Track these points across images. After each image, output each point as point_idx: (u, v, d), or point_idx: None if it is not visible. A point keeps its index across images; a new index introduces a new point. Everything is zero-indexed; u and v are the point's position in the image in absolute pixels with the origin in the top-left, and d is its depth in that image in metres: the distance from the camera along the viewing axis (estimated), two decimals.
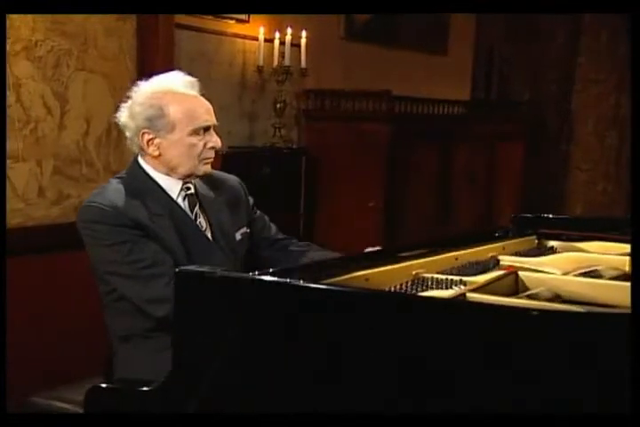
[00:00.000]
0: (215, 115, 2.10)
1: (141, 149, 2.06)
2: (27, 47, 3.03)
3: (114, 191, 2.02)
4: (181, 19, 3.66)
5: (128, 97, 2.08)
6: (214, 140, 2.07)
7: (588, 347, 1.27)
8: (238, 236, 2.18)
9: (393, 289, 1.78)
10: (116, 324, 2.09)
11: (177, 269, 1.58)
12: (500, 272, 1.90)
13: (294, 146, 4.18)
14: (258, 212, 2.32)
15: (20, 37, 3.01)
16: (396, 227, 4.13)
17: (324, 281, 1.67)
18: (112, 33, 3.34)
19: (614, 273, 1.98)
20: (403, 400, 1.36)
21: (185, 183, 2.11)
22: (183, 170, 2.07)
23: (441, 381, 1.35)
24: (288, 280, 1.51)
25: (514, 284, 1.85)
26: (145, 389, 1.62)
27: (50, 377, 2.49)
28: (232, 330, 1.56)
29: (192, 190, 2.12)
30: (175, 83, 2.06)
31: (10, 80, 2.99)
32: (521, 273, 1.86)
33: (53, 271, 3.12)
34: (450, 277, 1.89)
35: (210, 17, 3.86)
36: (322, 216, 4.20)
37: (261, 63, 3.95)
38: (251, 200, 2.30)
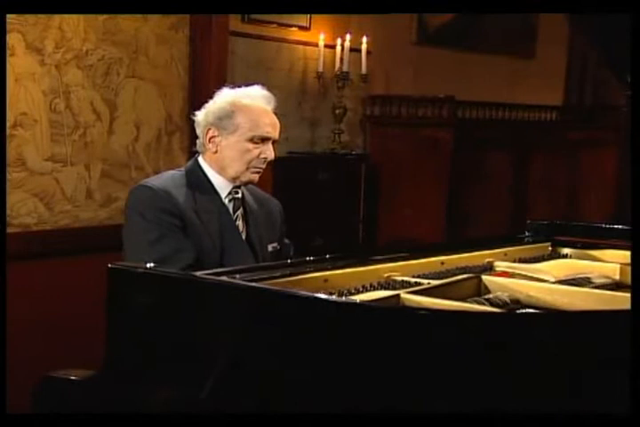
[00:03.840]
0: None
1: (203, 144, 2.19)
2: (77, 56, 3.17)
3: (169, 179, 2.16)
4: (239, 26, 3.72)
5: (211, 98, 2.22)
6: (268, 153, 2.16)
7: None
8: (270, 248, 2.27)
9: (347, 290, 1.74)
10: None
11: (109, 265, 1.60)
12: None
13: (355, 152, 4.15)
14: (287, 241, 2.39)
15: (72, 47, 3.15)
16: (460, 235, 4.01)
17: (267, 282, 1.66)
18: (164, 41, 3.45)
19: (601, 281, 1.87)
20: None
21: (235, 187, 2.20)
22: (231, 171, 2.16)
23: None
24: (209, 277, 1.52)
25: (475, 288, 1.77)
26: (76, 378, 1.65)
27: None
28: (162, 326, 1.57)
29: (240, 195, 2.22)
30: (253, 94, 2.20)
31: (60, 88, 3.14)
32: (485, 277, 1.78)
33: (99, 272, 3.23)
34: (418, 280, 1.84)
35: (274, 25, 3.91)
36: (382, 222, 4.14)
37: (321, 69, 3.96)
38: (284, 227, 2.38)
